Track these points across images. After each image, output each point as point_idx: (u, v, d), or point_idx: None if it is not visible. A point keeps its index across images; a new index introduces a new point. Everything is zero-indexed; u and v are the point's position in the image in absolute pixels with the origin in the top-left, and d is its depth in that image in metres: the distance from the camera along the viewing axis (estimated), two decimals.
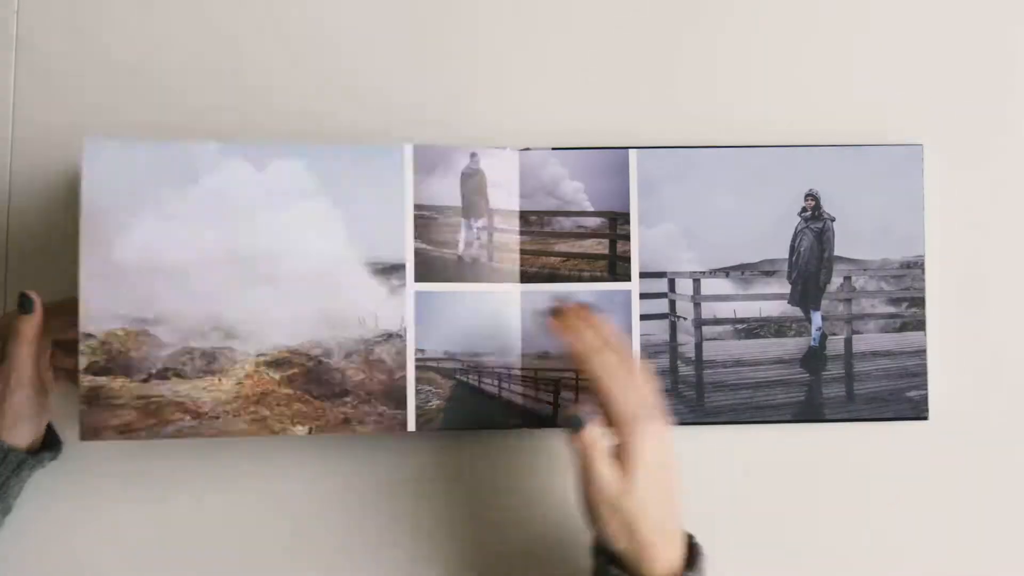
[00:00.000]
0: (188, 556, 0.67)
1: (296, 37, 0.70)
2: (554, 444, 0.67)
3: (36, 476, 0.64)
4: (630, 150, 0.67)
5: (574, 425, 0.53)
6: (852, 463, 0.68)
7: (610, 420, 0.54)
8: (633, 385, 0.54)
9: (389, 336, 0.63)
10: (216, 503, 0.67)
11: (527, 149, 0.67)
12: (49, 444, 0.65)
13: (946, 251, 0.69)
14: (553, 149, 0.67)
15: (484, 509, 0.67)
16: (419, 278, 0.63)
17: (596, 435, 0.53)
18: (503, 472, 0.68)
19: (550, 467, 0.67)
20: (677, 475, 0.54)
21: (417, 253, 0.63)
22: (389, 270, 0.63)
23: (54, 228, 0.68)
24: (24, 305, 0.61)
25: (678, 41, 0.70)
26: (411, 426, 0.63)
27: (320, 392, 0.62)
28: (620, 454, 0.53)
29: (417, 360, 0.63)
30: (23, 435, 0.62)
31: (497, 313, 0.65)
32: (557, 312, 0.59)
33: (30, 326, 0.61)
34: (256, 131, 0.69)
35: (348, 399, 0.62)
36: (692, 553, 0.55)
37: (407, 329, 0.63)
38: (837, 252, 0.67)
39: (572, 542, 0.66)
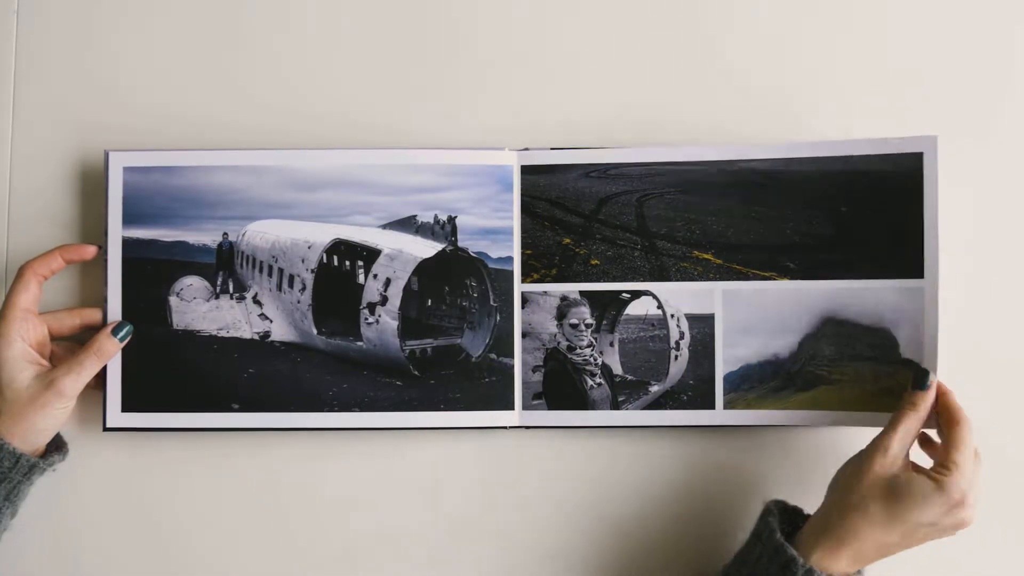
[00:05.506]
0: (188, 555, 0.67)
1: (296, 38, 0.70)
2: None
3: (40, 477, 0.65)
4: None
5: (920, 382, 0.60)
6: None
7: (943, 464, 0.57)
8: (976, 474, 0.58)
9: None
10: (218, 502, 0.67)
11: (527, 149, 0.67)
12: (55, 446, 0.65)
13: (947, 254, 0.68)
14: (552, 149, 0.67)
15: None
16: None
17: (926, 406, 0.59)
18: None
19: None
20: (919, 542, 0.57)
21: None
22: None
23: (55, 229, 0.68)
24: (119, 331, 0.64)
25: (679, 40, 0.70)
26: None
27: None
28: (935, 470, 0.57)
29: None
30: (38, 442, 0.62)
31: None
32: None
33: (114, 350, 0.64)
34: (254, 131, 0.69)
35: None
36: None
37: None
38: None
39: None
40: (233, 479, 0.67)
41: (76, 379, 0.61)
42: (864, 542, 0.56)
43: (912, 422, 0.59)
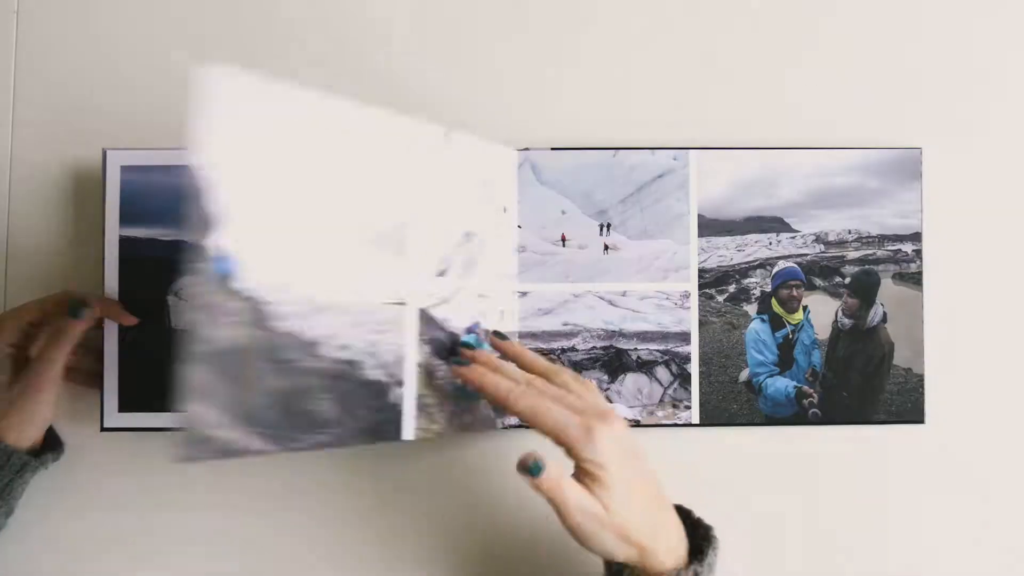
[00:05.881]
0: (187, 555, 0.67)
1: (296, 38, 0.70)
2: None
3: (36, 476, 0.64)
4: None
5: (533, 471, 0.51)
6: (849, 465, 0.67)
7: (560, 445, 0.52)
8: (565, 403, 0.53)
9: None
10: (216, 502, 0.67)
11: (527, 149, 0.67)
12: (51, 445, 0.65)
13: (944, 254, 0.68)
14: (553, 149, 0.67)
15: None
16: None
17: (557, 472, 0.51)
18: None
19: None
20: (645, 465, 0.54)
21: None
22: None
23: (54, 228, 0.68)
24: (75, 311, 0.61)
25: (677, 42, 0.70)
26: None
27: None
28: (583, 473, 0.52)
29: None
30: (27, 436, 0.62)
31: None
32: (459, 364, 0.57)
33: (78, 331, 0.61)
34: None
35: None
36: (702, 536, 0.55)
37: None
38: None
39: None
40: (233, 479, 0.67)
41: (48, 366, 0.60)
42: (638, 527, 0.52)
43: (565, 486, 0.52)
